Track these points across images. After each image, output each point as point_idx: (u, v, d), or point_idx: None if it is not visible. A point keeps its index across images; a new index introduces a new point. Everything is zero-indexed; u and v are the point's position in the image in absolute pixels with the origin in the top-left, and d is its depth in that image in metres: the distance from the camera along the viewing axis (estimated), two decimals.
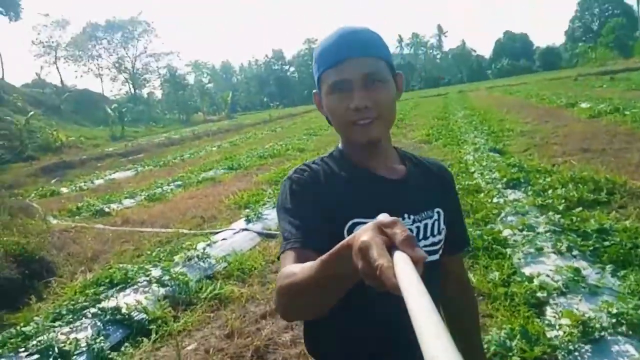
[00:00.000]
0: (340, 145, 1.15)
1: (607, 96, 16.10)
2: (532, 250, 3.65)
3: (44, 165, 16.52)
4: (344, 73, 0.99)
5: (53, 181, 13.67)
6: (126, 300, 3.50)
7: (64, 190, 11.36)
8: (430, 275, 0.65)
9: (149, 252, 4.89)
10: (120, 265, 4.29)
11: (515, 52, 72.41)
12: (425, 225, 1.07)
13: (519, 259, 3.54)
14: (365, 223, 0.60)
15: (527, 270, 3.34)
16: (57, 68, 48.42)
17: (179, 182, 10.27)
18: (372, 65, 1.00)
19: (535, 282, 3.05)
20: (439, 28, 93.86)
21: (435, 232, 1.08)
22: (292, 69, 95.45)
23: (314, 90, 1.13)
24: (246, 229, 5.60)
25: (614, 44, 53.19)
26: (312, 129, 21.18)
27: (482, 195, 5.72)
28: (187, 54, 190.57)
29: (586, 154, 7.57)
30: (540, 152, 8.16)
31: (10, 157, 18.85)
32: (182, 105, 47.14)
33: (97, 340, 2.88)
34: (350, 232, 0.98)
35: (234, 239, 5.23)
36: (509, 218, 4.61)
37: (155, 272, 4.01)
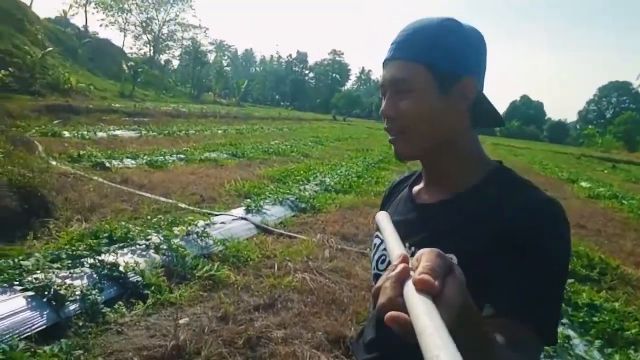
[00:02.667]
0: None
1: (607, 181, 16.43)
2: None
3: (49, 103, 16.37)
4: (382, 76, 0.93)
5: (56, 122, 13.55)
6: (123, 258, 3.49)
7: (66, 134, 11.27)
8: None
9: (148, 218, 4.87)
10: (122, 223, 4.28)
11: (527, 117, 73.49)
12: None
13: None
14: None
15: None
16: (85, 11, 47.99)
17: (182, 156, 10.26)
18: (399, 71, 0.88)
19: None
20: None
21: None
22: (311, 74, 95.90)
23: None
24: (245, 219, 5.61)
25: (622, 134, 54.28)
26: (318, 137, 21.28)
27: None
28: (213, 32, 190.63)
29: (582, 230, 7.72)
30: None
31: (17, 87, 18.64)
32: (196, 81, 47.06)
33: (92, 292, 2.88)
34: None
35: (232, 225, 5.24)
36: None
37: (155, 239, 4.00)
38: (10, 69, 19.21)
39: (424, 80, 0.86)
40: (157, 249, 3.84)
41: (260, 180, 8.64)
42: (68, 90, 22.12)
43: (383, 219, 0.79)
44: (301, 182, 8.66)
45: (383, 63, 0.93)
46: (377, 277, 0.93)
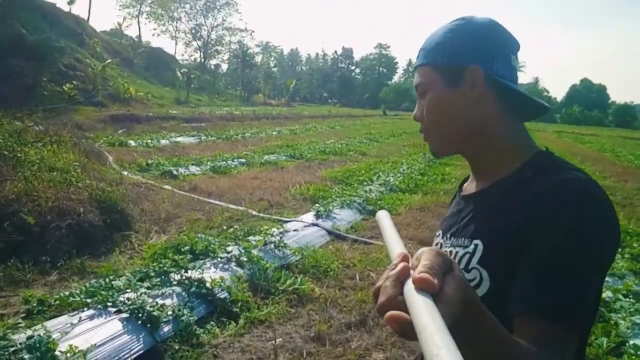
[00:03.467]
0: None
1: None
2: None
3: (113, 113, 17.03)
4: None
5: (120, 131, 14.04)
6: (206, 273, 3.42)
7: (132, 143, 11.62)
8: None
9: (224, 228, 4.83)
10: (201, 235, 4.24)
11: (589, 102, 69.50)
12: (456, 254, 0.88)
13: (627, 327, 3.25)
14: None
15: (637, 342, 3.07)
16: (138, 22, 49.91)
17: (243, 160, 10.30)
18: (416, 77, 0.95)
19: None
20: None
21: (462, 266, 0.83)
22: (357, 70, 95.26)
23: None
24: (316, 224, 5.48)
25: None
26: (372, 134, 20.98)
27: None
28: (259, 34, 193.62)
29: None
30: (625, 212, 7.65)
31: (82, 100, 19.55)
32: (245, 83, 47.82)
33: (184, 312, 2.81)
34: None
35: (305, 232, 5.11)
36: (606, 279, 4.30)
37: (235, 251, 3.92)
38: (74, 82, 20.15)
39: (431, 78, 0.91)
40: (238, 262, 3.76)
41: (323, 182, 8.51)
42: (128, 99, 22.99)
43: (382, 217, 0.77)
44: (365, 183, 8.44)
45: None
46: None
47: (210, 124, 19.57)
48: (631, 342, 3.08)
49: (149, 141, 12.14)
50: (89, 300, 2.77)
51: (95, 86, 21.56)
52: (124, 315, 2.67)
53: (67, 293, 2.92)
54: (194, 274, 3.24)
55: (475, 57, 0.88)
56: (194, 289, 3.10)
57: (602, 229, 0.73)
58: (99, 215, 4.28)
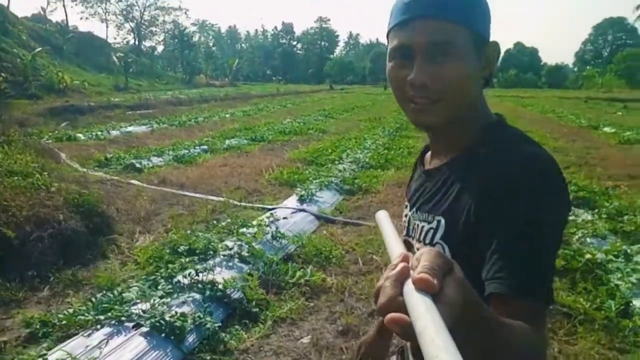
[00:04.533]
0: None
1: (627, 124, 16.11)
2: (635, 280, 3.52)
3: (51, 106, 15.90)
4: (407, 37, 0.80)
5: (63, 124, 13.16)
6: (213, 274, 3.26)
7: (81, 136, 10.91)
8: None
9: (214, 222, 4.63)
10: (200, 233, 4.02)
11: (523, 65, 72.39)
12: (422, 228, 0.88)
13: (628, 289, 3.41)
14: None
15: (638, 303, 3.22)
16: (64, 6, 46.55)
17: (205, 147, 9.94)
18: (443, 33, 0.78)
19: None
20: None
21: (427, 241, 0.85)
22: (299, 45, 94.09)
23: None
24: (304, 210, 5.37)
25: (623, 72, 53.42)
26: (324, 110, 20.88)
27: None
28: (194, 12, 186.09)
29: (634, 180, 7.47)
30: (585, 172, 8.04)
31: (13, 93, 18.12)
32: (186, 65, 46.07)
33: (206, 319, 2.65)
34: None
35: (295, 219, 4.99)
36: (588, 240, 4.50)
37: (234, 247, 3.76)
38: (2, 74, 18.58)
39: (468, 44, 0.79)
40: (241, 258, 3.61)
41: (293, 164, 8.37)
42: (64, 89, 21.57)
43: (382, 217, 0.76)
44: (336, 162, 8.37)
45: (403, 22, 0.81)
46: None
47: (158, 111, 18.76)
48: (636, 303, 3.22)
49: (99, 133, 11.45)
50: (101, 317, 2.55)
51: (26, 77, 20.03)
52: (144, 329, 2.48)
53: (71, 310, 2.69)
54: (204, 276, 3.07)
55: (489, 32, 0.84)
56: (208, 292, 2.94)
57: (558, 202, 0.76)
58: (80, 221, 3.97)
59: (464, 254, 0.73)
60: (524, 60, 74.50)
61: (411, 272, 0.50)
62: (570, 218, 5.16)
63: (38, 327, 2.58)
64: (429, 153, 0.99)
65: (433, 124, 0.85)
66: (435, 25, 0.78)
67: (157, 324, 2.48)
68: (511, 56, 76.82)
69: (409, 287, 0.48)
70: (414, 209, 0.93)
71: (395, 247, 0.61)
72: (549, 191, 0.75)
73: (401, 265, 0.51)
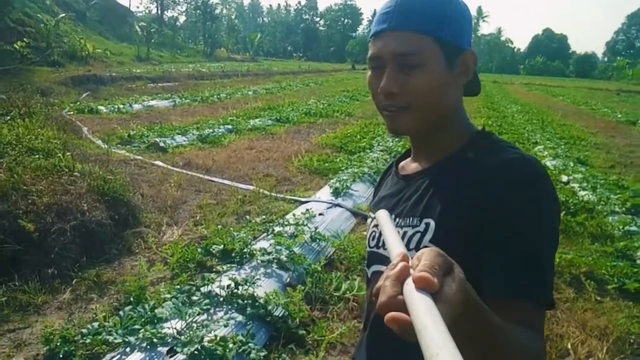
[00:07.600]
0: None
1: None
2: None
3: (73, 75, 15.63)
4: (378, 48, 0.84)
5: (84, 95, 12.89)
6: (263, 288, 2.90)
7: (103, 109, 10.61)
8: None
9: (247, 218, 4.28)
10: (234, 233, 3.67)
11: (551, 52, 70.31)
12: (405, 234, 0.85)
13: None
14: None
15: None
16: None
17: (230, 126, 9.58)
18: (408, 44, 0.80)
19: None
20: (479, 10, 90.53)
21: (413, 246, 0.83)
22: (322, 22, 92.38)
23: None
24: (339, 205, 4.99)
25: None
26: (349, 91, 20.30)
27: (597, 217, 5.15)
28: None
29: None
30: (631, 172, 7.51)
31: (36, 59, 17.87)
32: (207, 37, 45.44)
33: (249, 345, 2.31)
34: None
35: (331, 216, 4.62)
36: None
37: (272, 250, 3.41)
38: (25, 39, 18.29)
39: (434, 53, 0.81)
40: (280, 264, 3.26)
41: (321, 150, 7.97)
42: (86, 57, 21.28)
43: (382, 217, 0.74)
44: (366, 150, 7.96)
45: (376, 33, 0.85)
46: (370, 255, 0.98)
47: (180, 84, 18.40)
48: None
49: (121, 106, 11.16)
50: (131, 339, 2.22)
51: (49, 44, 19.75)
52: (180, 357, 2.15)
53: (95, 325, 2.37)
54: (244, 290, 2.72)
55: (468, 41, 0.85)
56: (249, 309, 2.59)
57: (554, 204, 0.78)
58: (105, 211, 3.64)
59: (456, 256, 0.64)
60: (552, 48, 72.36)
61: (411, 271, 0.49)
62: (632, 227, 4.73)
63: (59, 344, 2.26)
64: (405, 161, 1.00)
65: (404, 131, 0.88)
66: (402, 36, 0.81)
67: (196, 352, 2.14)
68: (539, 42, 74.68)
69: (409, 286, 0.46)
70: (393, 215, 0.89)
71: (395, 246, 0.59)
72: (546, 194, 0.77)
73: (401, 264, 0.50)
